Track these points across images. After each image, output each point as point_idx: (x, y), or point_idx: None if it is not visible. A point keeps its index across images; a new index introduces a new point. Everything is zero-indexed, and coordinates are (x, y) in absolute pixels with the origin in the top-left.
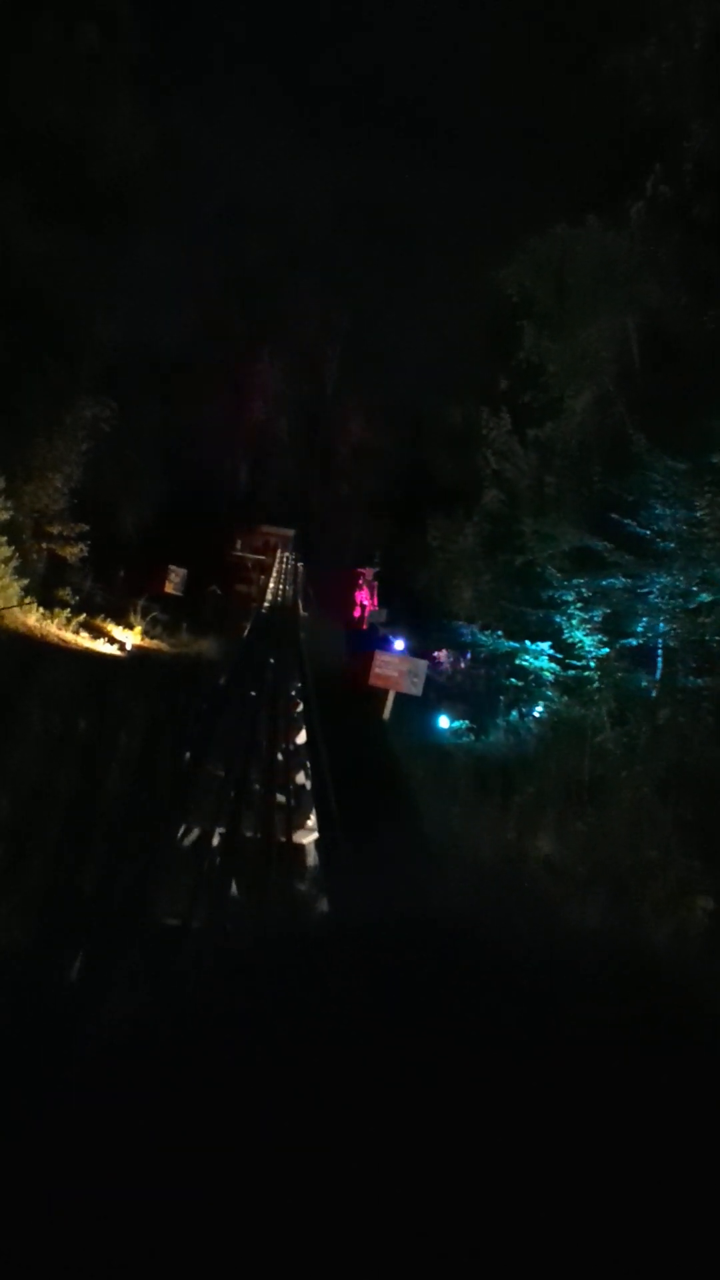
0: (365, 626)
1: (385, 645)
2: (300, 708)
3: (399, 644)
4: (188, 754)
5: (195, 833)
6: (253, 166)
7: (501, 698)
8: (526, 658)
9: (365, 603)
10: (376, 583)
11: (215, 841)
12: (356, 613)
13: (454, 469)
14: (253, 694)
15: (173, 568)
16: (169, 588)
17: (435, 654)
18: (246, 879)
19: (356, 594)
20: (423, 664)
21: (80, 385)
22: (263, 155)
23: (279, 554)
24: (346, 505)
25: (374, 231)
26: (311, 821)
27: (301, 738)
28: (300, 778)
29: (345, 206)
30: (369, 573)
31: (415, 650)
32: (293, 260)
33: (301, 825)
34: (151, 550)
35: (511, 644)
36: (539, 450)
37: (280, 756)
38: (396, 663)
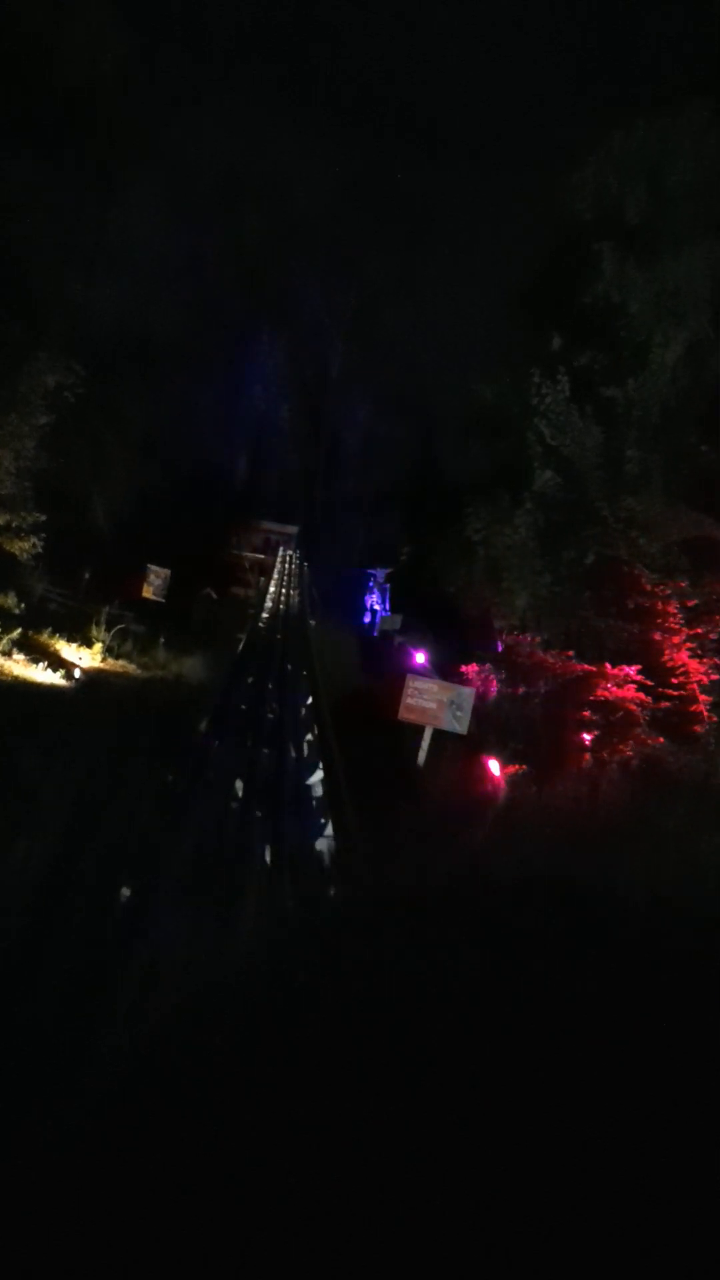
0: (375, 634)
1: (407, 658)
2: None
3: (420, 656)
4: (124, 892)
5: None
6: (252, 130)
7: (586, 736)
8: (607, 685)
9: (375, 607)
10: (388, 585)
11: None
12: (366, 618)
13: (486, 452)
14: (239, 784)
15: (152, 568)
16: (148, 592)
17: (464, 669)
18: None
19: (365, 597)
20: (468, 692)
21: (41, 346)
22: (263, 116)
23: (280, 553)
24: (354, 500)
25: (388, 189)
26: None
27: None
28: None
29: (355, 163)
30: (380, 574)
31: (439, 665)
32: (296, 234)
33: None
34: (128, 547)
35: (584, 666)
36: (605, 420)
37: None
38: (435, 690)
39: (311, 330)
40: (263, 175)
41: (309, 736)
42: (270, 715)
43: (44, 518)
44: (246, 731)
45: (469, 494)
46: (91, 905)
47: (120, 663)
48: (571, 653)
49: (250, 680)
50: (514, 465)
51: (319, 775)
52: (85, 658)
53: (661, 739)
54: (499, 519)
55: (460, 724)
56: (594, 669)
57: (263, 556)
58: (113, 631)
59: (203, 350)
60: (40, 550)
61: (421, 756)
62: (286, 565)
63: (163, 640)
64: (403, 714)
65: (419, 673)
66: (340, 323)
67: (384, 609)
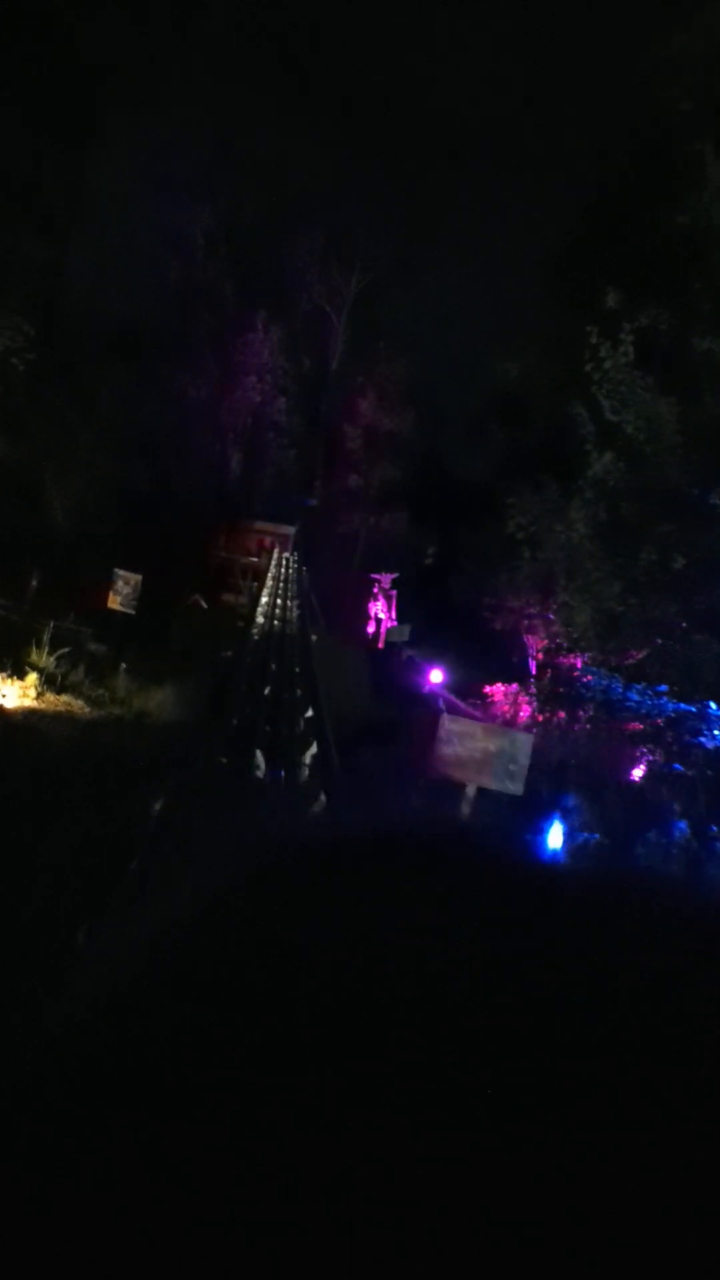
0: (381, 645)
1: (420, 675)
2: None
3: (436, 675)
4: None
5: None
6: (246, 100)
7: (676, 805)
8: (711, 731)
9: (381, 616)
10: (395, 591)
11: None
12: (370, 628)
13: (516, 438)
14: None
15: (120, 573)
16: (114, 602)
17: (488, 689)
18: None
19: (369, 605)
20: (524, 739)
21: None
22: (259, 77)
23: (276, 555)
24: (357, 498)
25: (393, 161)
26: None
27: None
28: None
29: (358, 132)
30: (386, 579)
31: (457, 686)
32: (294, 211)
33: None
34: (95, 549)
35: (682, 705)
36: (679, 388)
37: None
38: (478, 735)
39: (311, 316)
40: (260, 148)
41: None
42: (262, 765)
43: None
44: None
45: (510, 482)
46: None
47: (64, 698)
48: (665, 690)
49: (237, 725)
50: (557, 449)
51: None
52: (12, 693)
53: None
54: (550, 513)
55: (515, 782)
56: (692, 709)
57: (256, 559)
58: (58, 655)
59: (191, 334)
60: None
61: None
62: (283, 569)
63: (124, 666)
64: (435, 763)
65: (450, 704)
66: (341, 308)
67: (390, 618)
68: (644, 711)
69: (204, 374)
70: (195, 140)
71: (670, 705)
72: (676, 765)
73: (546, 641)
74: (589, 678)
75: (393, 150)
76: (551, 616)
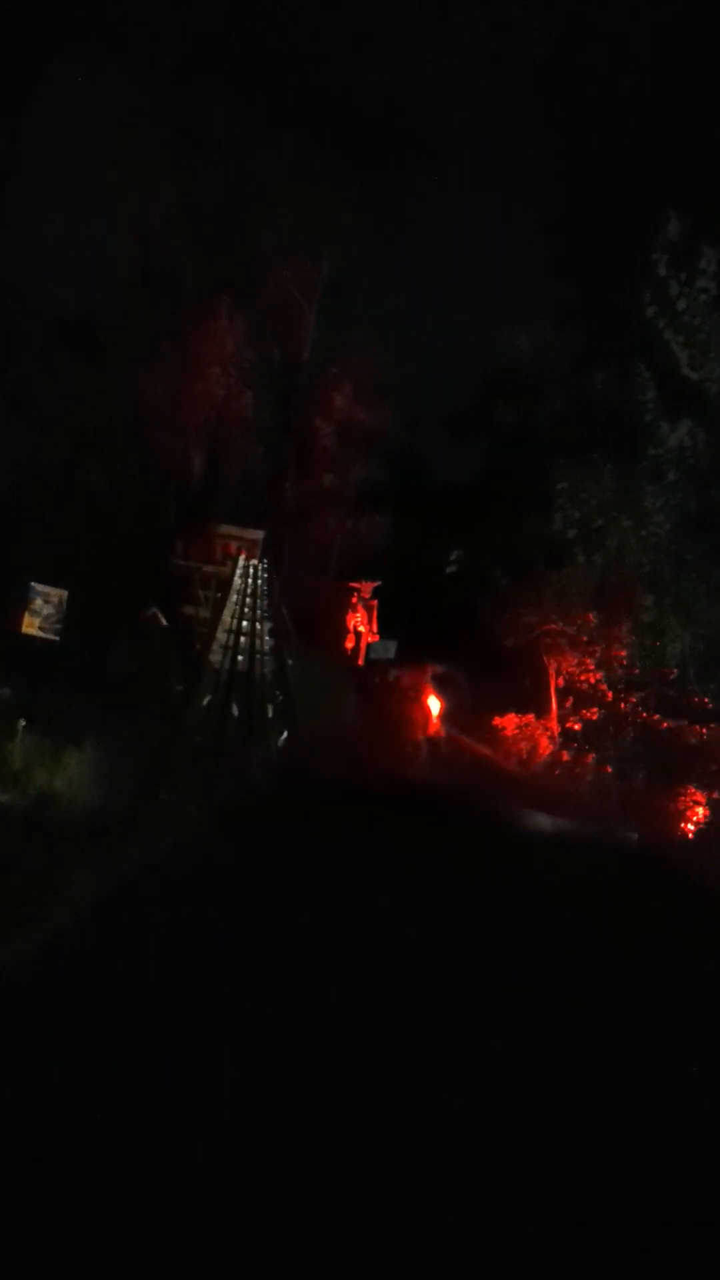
0: (361, 662)
1: (412, 704)
2: None
3: (433, 702)
4: None
5: None
6: (209, 71)
7: None
8: None
9: (361, 629)
10: (376, 601)
11: None
12: (349, 642)
13: (520, 422)
14: None
15: (40, 588)
16: (29, 625)
17: (498, 721)
18: None
19: (348, 616)
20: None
21: None
22: (221, 51)
23: (242, 563)
24: (332, 499)
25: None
26: None
27: None
28: None
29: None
30: (366, 587)
31: (455, 713)
32: (259, 190)
33: None
34: (11, 559)
35: None
36: None
37: None
38: (546, 826)
39: (280, 303)
40: (222, 122)
41: None
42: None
43: None
44: None
45: (526, 473)
46: None
47: None
48: None
49: (187, 823)
50: (592, 427)
51: None
52: None
53: None
54: (613, 503)
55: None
56: None
57: (221, 567)
58: None
59: (149, 322)
60: None
61: None
62: (250, 580)
63: (23, 723)
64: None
65: (456, 742)
66: (312, 294)
67: (371, 631)
68: None
69: (162, 365)
70: (153, 114)
71: None
72: None
73: (598, 675)
74: (702, 730)
75: (369, 110)
76: (621, 650)
